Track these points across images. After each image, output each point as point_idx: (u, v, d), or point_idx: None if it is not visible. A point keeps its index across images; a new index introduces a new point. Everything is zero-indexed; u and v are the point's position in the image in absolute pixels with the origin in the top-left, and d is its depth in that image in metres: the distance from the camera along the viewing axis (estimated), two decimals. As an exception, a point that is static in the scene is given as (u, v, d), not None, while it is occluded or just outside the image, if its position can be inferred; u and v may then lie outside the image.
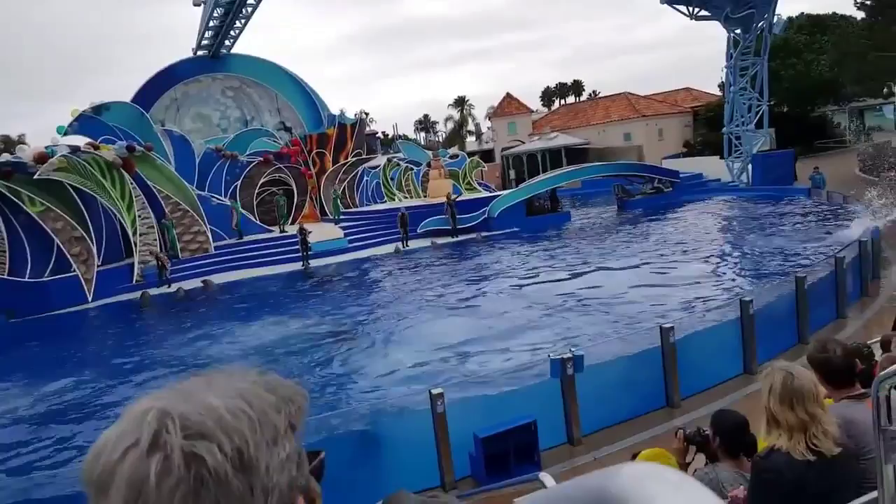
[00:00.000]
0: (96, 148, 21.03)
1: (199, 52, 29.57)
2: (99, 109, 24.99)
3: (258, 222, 26.66)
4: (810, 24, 43.60)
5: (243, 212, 26.08)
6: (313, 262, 22.72)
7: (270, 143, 29.29)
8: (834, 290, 11.22)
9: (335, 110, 31.40)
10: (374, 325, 14.28)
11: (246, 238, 24.86)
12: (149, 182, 22.34)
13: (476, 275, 18.75)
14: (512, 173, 47.78)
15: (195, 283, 21.01)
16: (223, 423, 0.61)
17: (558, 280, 16.68)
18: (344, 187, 29.31)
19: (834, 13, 43.55)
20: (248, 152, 28.28)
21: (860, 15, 36.07)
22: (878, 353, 4.94)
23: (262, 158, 28.19)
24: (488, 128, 64.45)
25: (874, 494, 1.90)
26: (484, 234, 25.47)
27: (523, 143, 51.88)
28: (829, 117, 47.99)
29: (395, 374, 10.77)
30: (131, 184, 21.60)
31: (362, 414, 8.05)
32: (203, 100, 29.92)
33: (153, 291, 20.09)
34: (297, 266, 22.53)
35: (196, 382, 0.67)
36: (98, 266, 20.26)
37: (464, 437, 6.97)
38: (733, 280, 15.46)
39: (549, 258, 20.11)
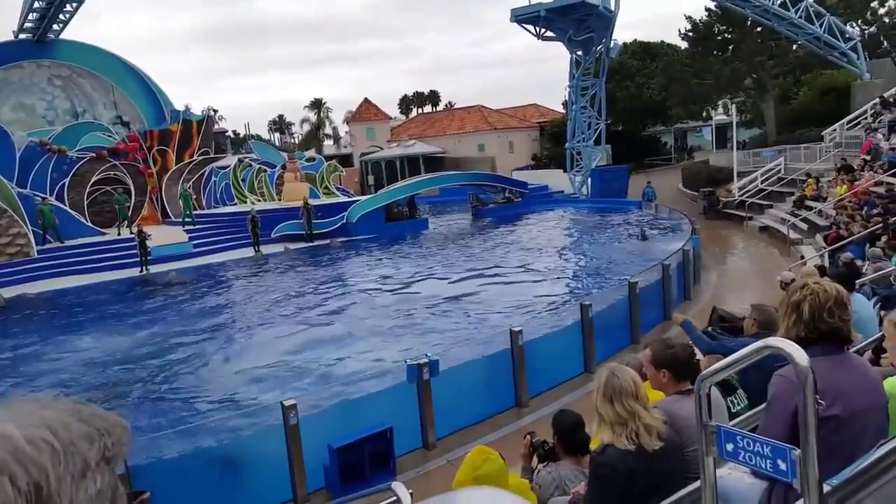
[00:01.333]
0: None
1: (22, 36, 26.35)
2: None
3: (89, 224, 24.22)
4: (642, 51, 47.97)
5: (72, 212, 23.58)
6: (153, 269, 21.05)
7: (105, 137, 26.75)
8: (661, 294, 12.37)
9: (180, 106, 29.43)
10: (219, 336, 13.43)
11: (77, 241, 22.50)
12: (-45, 178, 19.51)
13: (330, 281, 18.39)
14: (371, 179, 47.65)
15: (16, 290, 18.68)
16: (19, 454, 0.55)
17: (414, 286, 16.83)
18: (189, 188, 27.48)
19: (662, 41, 48.33)
20: (78, 147, 25.62)
21: (684, 45, 40.46)
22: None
23: (94, 154, 25.67)
24: (346, 132, 63.79)
25: (698, 484, 2.05)
26: (341, 239, 25.10)
27: (382, 149, 51.94)
28: (657, 136, 53.16)
29: (242, 387, 10.22)
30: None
31: (206, 430, 7.53)
32: (26, 88, 26.65)
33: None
34: (134, 272, 20.75)
35: None
36: None
37: (318, 447, 6.79)
38: (575, 284, 16.53)
39: (406, 264, 20.25)
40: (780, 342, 1.79)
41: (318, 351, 11.73)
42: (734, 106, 33.44)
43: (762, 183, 25.32)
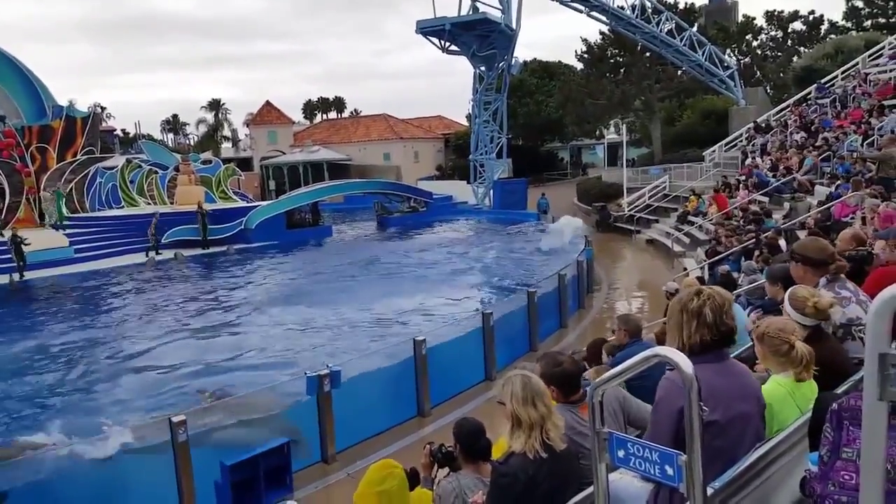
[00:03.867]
0: None
1: None
2: None
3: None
4: (541, 70, 49.81)
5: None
6: (29, 275, 19.31)
7: (-27, 132, 24.34)
8: (557, 303, 12.81)
9: (63, 101, 27.32)
10: (98, 350, 12.44)
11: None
12: None
13: (223, 291, 17.62)
14: (272, 184, 46.35)
15: None
16: None
17: (314, 295, 16.43)
18: (72, 188, 25.53)
19: (560, 61, 50.40)
20: (-60, 142, 23.15)
21: (580, 66, 42.41)
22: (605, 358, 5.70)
23: (-40, 150, 23.31)
24: (246, 135, 61.69)
25: (591, 490, 2.12)
26: (238, 246, 24.17)
27: (284, 153, 50.62)
28: (555, 152, 55.26)
29: (127, 405, 9.55)
30: None
31: (85, 451, 6.95)
32: None
33: None
34: (3, 280, 18.97)
35: None
36: None
37: (210, 465, 6.43)
38: (477, 293, 16.78)
39: (306, 272, 19.78)
40: (667, 351, 1.88)
41: (206, 367, 11.12)
42: (624, 126, 35.40)
43: (649, 199, 26.87)
